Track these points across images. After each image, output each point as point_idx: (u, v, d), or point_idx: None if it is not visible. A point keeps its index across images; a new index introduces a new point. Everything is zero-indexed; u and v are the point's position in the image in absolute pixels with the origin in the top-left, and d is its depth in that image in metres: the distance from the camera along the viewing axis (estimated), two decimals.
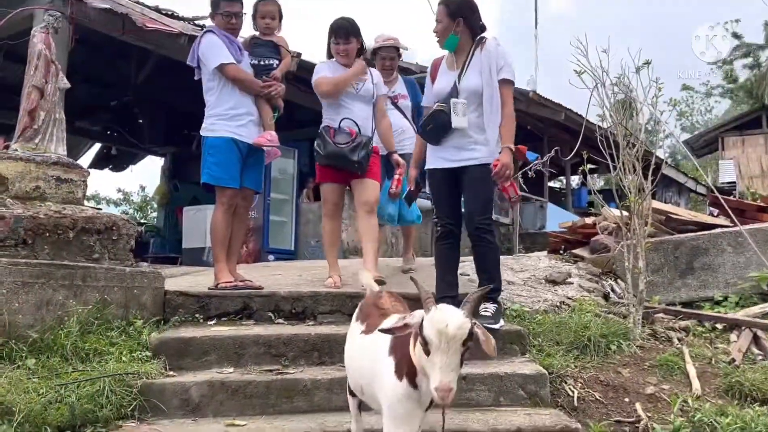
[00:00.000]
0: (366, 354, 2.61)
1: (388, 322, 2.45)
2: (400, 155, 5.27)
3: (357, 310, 3.03)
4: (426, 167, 4.51)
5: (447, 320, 2.19)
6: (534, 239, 13.15)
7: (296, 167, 11.59)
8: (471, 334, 2.23)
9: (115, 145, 14.53)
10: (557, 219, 12.61)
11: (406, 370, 2.36)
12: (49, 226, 4.14)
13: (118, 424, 3.26)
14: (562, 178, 19.63)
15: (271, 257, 10.29)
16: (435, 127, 4.32)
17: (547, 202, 14.74)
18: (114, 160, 15.26)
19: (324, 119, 5.14)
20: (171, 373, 3.69)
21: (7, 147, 5.12)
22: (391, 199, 5.44)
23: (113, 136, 14.15)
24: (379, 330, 2.44)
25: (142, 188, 22.53)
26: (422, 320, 2.25)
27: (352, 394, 2.98)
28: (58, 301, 3.81)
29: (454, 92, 4.29)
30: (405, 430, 2.42)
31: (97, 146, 15.17)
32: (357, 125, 5.00)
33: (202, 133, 4.83)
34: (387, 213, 5.60)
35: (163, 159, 14.75)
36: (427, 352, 2.20)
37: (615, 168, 4.77)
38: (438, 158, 4.40)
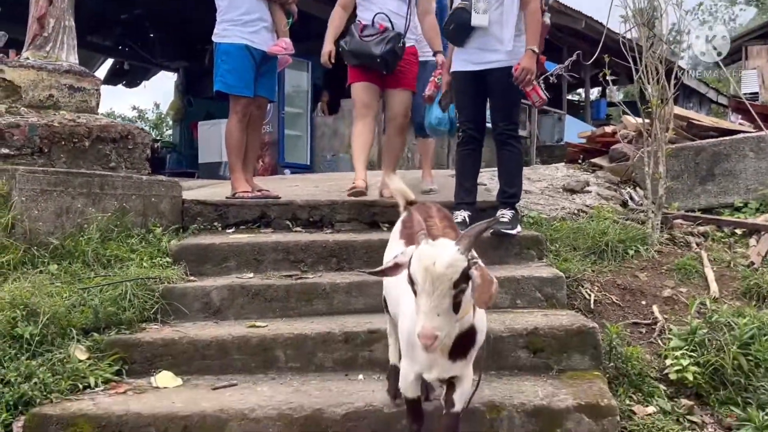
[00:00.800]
0: (400, 282, 2.23)
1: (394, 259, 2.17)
2: (421, 63, 4.99)
3: (399, 223, 2.69)
4: (450, 70, 4.37)
5: (435, 256, 1.91)
6: (551, 152, 13.02)
7: (310, 80, 11.43)
8: (465, 276, 1.93)
9: (127, 60, 14.37)
10: (576, 131, 12.44)
11: None
12: (64, 135, 4.13)
13: (141, 326, 3.33)
14: (580, 90, 19.29)
15: (287, 171, 10.30)
16: (457, 26, 4.16)
17: (565, 114, 14.52)
18: (127, 75, 15.14)
19: (356, 19, 4.80)
20: (192, 278, 3.74)
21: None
22: (428, 104, 4.95)
23: (125, 51, 13.99)
24: (367, 273, 2.25)
25: (157, 106, 22.45)
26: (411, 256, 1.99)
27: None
28: (77, 208, 3.83)
29: None
30: (416, 370, 2.21)
31: (109, 62, 15.03)
32: (390, 22, 4.63)
33: (214, 39, 4.73)
34: (434, 117, 5.01)
35: (175, 74, 14.61)
36: (415, 293, 1.96)
37: (638, 71, 4.64)
38: (461, 60, 4.25)
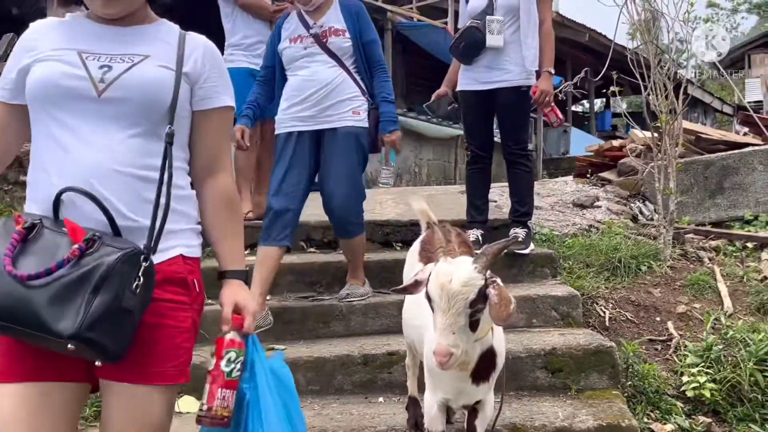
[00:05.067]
0: (422, 309, 2.17)
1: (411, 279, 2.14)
2: (331, 130, 3.64)
3: (418, 247, 2.63)
4: (457, 89, 4.36)
5: (452, 274, 1.89)
6: (557, 164, 13.07)
7: None
8: (483, 295, 1.90)
9: None
10: (581, 143, 12.49)
11: None
12: None
13: None
14: (584, 102, 19.37)
15: None
16: (467, 45, 4.10)
17: (570, 127, 14.58)
18: None
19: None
20: (209, 301, 3.74)
21: None
22: None
23: None
24: (390, 291, 2.25)
25: None
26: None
27: None
28: None
29: (490, 9, 4.06)
30: (439, 399, 2.21)
31: None
32: (107, 214, 1.55)
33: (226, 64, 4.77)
34: None
35: None
36: (432, 310, 1.94)
37: (646, 88, 4.67)
38: (469, 79, 4.21)
